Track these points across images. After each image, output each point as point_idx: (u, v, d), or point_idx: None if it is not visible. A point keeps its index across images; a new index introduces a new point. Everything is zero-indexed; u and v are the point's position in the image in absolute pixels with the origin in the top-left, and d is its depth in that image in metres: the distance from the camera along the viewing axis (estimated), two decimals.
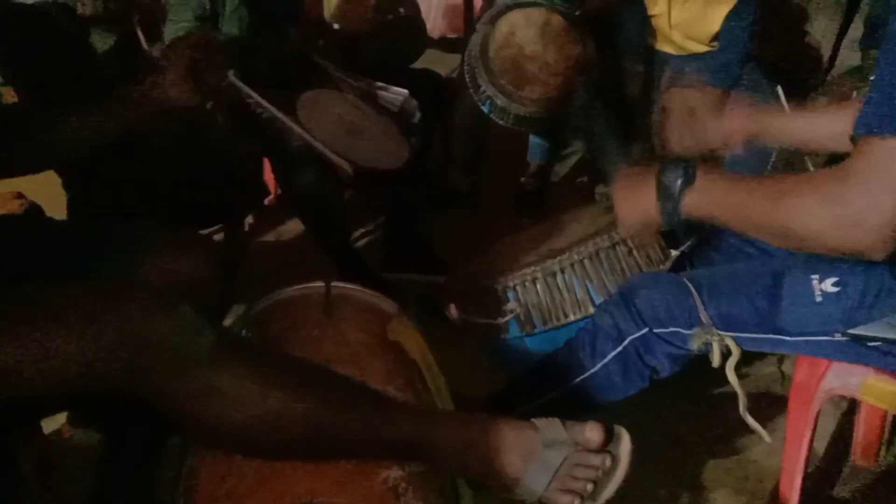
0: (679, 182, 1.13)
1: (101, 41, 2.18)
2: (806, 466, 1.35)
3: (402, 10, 2.67)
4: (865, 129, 0.92)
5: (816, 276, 1.19)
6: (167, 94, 1.26)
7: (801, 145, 1.41)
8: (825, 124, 1.31)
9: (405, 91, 2.23)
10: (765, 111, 1.42)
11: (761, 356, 1.79)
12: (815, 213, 0.95)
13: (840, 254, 0.99)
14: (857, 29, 2.86)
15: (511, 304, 1.47)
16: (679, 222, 1.17)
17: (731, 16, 2.34)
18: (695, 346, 1.25)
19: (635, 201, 1.22)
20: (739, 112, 1.41)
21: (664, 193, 1.15)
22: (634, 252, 1.46)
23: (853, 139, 0.94)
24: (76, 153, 1.30)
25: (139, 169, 1.68)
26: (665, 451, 1.61)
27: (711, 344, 1.24)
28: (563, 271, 1.44)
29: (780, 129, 1.39)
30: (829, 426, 1.67)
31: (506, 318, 1.49)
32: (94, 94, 1.27)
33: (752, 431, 1.30)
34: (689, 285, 1.27)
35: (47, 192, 1.83)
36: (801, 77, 2.90)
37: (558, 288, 1.45)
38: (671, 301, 1.27)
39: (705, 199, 1.12)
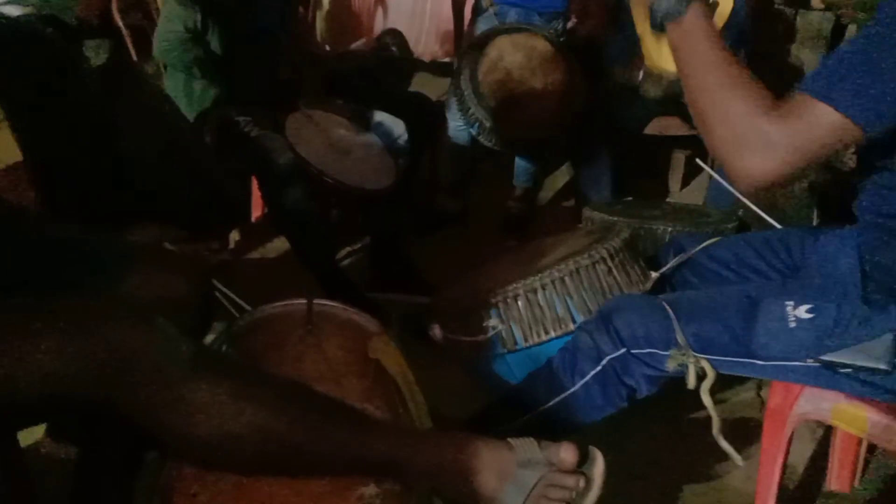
0: (675, 7, 1.12)
1: (96, 55, 2.19)
2: (780, 491, 1.36)
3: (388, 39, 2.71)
4: (807, 90, 1.01)
5: (791, 303, 1.21)
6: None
7: None
8: None
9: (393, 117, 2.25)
10: None
11: (740, 381, 1.81)
12: (731, 123, 1.04)
13: (720, 161, 1.09)
14: None
15: (493, 321, 1.49)
16: (660, 23, 1.16)
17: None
18: (671, 367, 1.27)
19: None
20: None
21: (656, 11, 1.15)
22: (615, 271, 1.48)
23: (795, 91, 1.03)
24: None
25: (117, 178, 1.68)
26: (640, 473, 1.62)
27: (687, 366, 1.26)
28: (544, 288, 1.46)
29: None
30: (805, 451, 1.69)
31: (488, 335, 1.50)
32: (78, 111, 1.28)
33: (728, 457, 1.31)
34: (667, 307, 1.29)
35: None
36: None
37: (539, 304, 1.46)
38: (649, 322, 1.29)
39: (681, 37, 1.13)
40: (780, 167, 1.02)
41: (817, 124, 1.00)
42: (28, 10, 1.73)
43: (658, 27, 1.16)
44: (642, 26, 1.24)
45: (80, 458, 1.27)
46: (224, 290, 1.47)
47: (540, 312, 1.46)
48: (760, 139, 1.02)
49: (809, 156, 1.02)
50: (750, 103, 1.04)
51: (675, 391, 1.31)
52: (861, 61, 1.00)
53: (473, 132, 2.48)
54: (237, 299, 1.51)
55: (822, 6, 2.97)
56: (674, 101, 2.39)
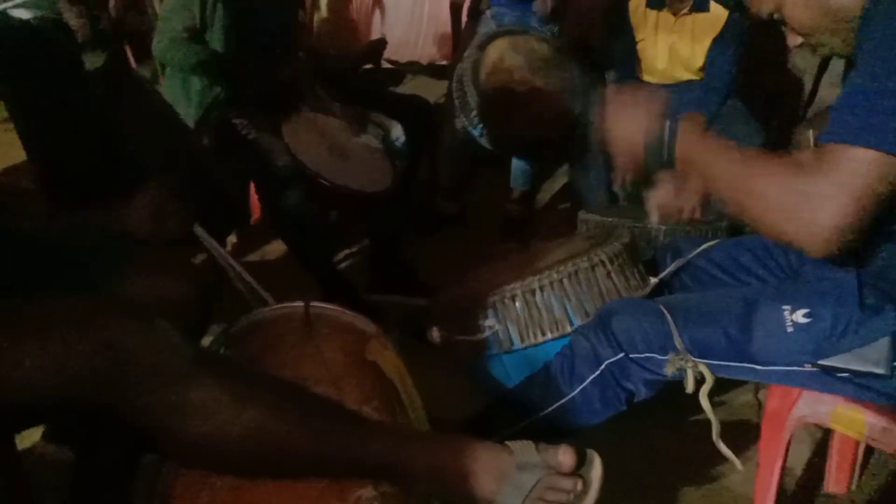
0: (666, 133, 1.17)
1: (92, 60, 2.20)
2: (779, 494, 1.36)
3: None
4: (835, 137, 0.98)
5: (788, 307, 1.21)
6: (130, 229, 1.34)
7: None
8: None
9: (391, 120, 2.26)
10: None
11: (738, 385, 1.81)
12: (775, 200, 1.02)
13: (784, 242, 1.06)
14: (838, 65, 2.92)
15: (490, 321, 1.49)
16: (665, 166, 1.20)
17: (716, 45, 2.40)
18: (669, 372, 1.27)
19: (626, 122, 1.24)
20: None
21: (652, 146, 1.19)
22: (613, 275, 1.48)
23: (821, 142, 1.01)
24: None
25: (118, 179, 1.68)
26: (638, 477, 1.62)
27: (685, 370, 1.26)
28: (541, 289, 1.46)
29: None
30: (803, 455, 1.69)
31: (485, 335, 1.50)
32: (82, 113, 1.30)
33: (727, 459, 1.31)
34: (665, 312, 1.29)
35: None
36: (786, 110, 2.96)
37: (537, 306, 1.46)
38: (647, 327, 1.29)
39: (689, 151, 1.16)
40: (841, 216, 0.97)
41: (859, 168, 0.96)
42: (36, 13, 1.74)
43: (667, 165, 1.19)
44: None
45: (79, 460, 1.27)
46: (209, 240, 1.46)
47: (537, 314, 1.46)
48: (808, 197, 0.99)
49: (865, 200, 0.97)
50: (781, 174, 1.02)
51: (673, 395, 1.31)
52: (874, 90, 0.97)
53: (475, 134, 2.48)
54: (223, 252, 1.50)
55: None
56: None
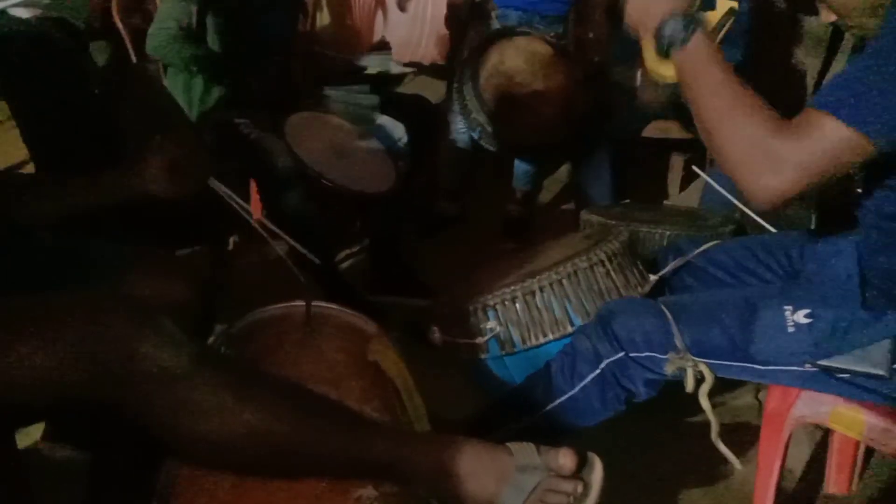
0: (679, 35, 1.15)
1: (100, 55, 2.20)
2: (778, 494, 1.36)
3: None
4: (819, 105, 1.00)
5: (790, 307, 1.21)
6: (146, 187, 1.29)
7: None
8: None
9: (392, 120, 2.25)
10: None
11: (738, 385, 1.81)
12: (742, 145, 1.05)
13: (734, 181, 1.09)
14: (839, 64, 2.93)
15: (491, 324, 1.49)
16: (665, 51, 1.18)
17: (721, 45, 2.39)
18: (669, 371, 1.27)
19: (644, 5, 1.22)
20: None
21: (661, 39, 1.18)
22: (613, 274, 1.48)
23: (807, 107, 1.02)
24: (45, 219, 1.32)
25: None
26: (639, 478, 1.62)
27: (686, 370, 1.26)
28: (542, 290, 1.46)
29: None
30: (803, 455, 1.69)
31: (486, 338, 1.50)
32: (83, 112, 1.30)
33: (727, 460, 1.31)
34: (666, 311, 1.29)
35: None
36: (787, 109, 2.96)
37: (537, 307, 1.46)
38: (647, 326, 1.29)
39: (695, 55, 1.15)
40: (792, 184, 1.01)
41: (826, 139, 0.99)
42: (38, 12, 1.75)
43: (664, 53, 1.17)
44: (646, 50, 1.24)
45: (94, 460, 1.26)
46: (227, 192, 1.43)
47: (538, 315, 1.46)
48: (770, 158, 1.02)
49: (821, 172, 1.01)
50: (758, 124, 1.04)
51: (673, 395, 1.31)
52: (869, 75, 0.99)
53: (475, 135, 2.49)
54: (243, 204, 1.47)
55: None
56: (672, 105, 2.40)
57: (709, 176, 2.08)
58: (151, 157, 1.29)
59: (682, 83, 1.16)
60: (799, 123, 1.02)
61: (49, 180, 1.30)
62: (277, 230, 1.46)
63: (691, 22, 1.14)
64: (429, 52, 3.56)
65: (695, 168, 2.25)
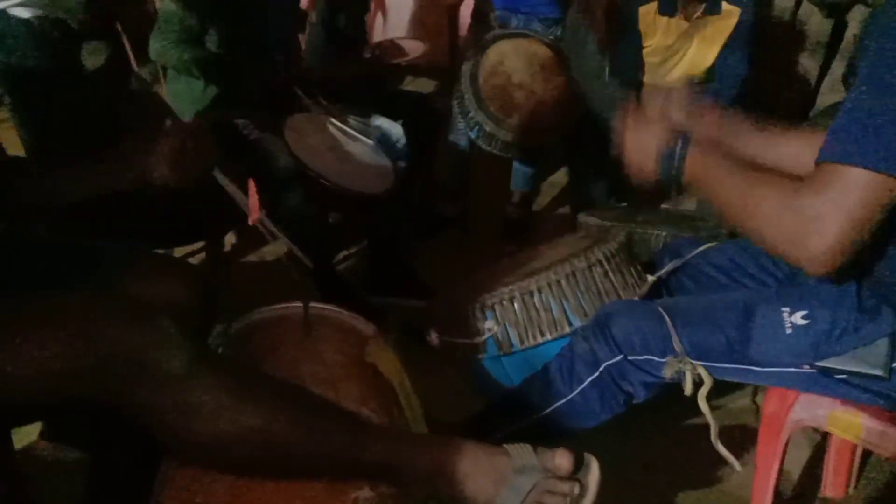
0: (678, 148, 1.19)
1: (93, 58, 2.20)
2: (776, 497, 1.36)
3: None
4: (829, 157, 0.99)
5: (787, 309, 1.21)
6: (150, 174, 1.26)
7: (759, 159, 1.44)
8: (782, 142, 1.35)
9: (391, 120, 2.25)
10: (733, 121, 1.43)
11: (737, 388, 1.81)
12: (772, 219, 1.04)
13: (788, 261, 1.08)
14: (839, 66, 2.93)
15: (489, 324, 1.49)
16: (674, 181, 1.22)
17: (727, 49, 2.40)
18: (668, 374, 1.27)
19: (641, 146, 1.26)
20: (710, 119, 1.41)
21: (664, 159, 1.21)
22: (611, 274, 1.48)
23: (817, 162, 1.01)
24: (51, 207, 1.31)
25: None
26: (636, 479, 1.62)
27: (684, 372, 1.26)
28: (539, 290, 1.46)
29: (744, 141, 1.42)
30: (800, 458, 1.69)
31: (484, 338, 1.50)
32: (82, 113, 1.29)
33: (725, 462, 1.31)
34: (664, 314, 1.29)
35: None
36: (787, 110, 2.96)
37: (535, 307, 1.46)
38: (646, 329, 1.29)
39: (697, 167, 1.18)
40: (838, 238, 0.98)
41: (852, 188, 0.97)
42: (36, 13, 1.75)
43: (674, 183, 1.22)
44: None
45: (93, 460, 1.26)
46: (229, 184, 1.41)
47: (536, 315, 1.46)
48: (803, 217, 1.00)
49: (860, 220, 0.98)
50: (777, 192, 1.04)
51: (671, 397, 1.32)
52: (868, 110, 0.97)
53: (473, 136, 2.49)
54: (243, 196, 1.44)
55: None
56: None
57: None
58: (154, 146, 1.26)
59: (697, 192, 1.21)
60: (815, 177, 1.00)
61: (47, 165, 1.29)
62: (276, 230, 1.45)
63: (680, 145, 1.20)
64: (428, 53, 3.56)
65: None
